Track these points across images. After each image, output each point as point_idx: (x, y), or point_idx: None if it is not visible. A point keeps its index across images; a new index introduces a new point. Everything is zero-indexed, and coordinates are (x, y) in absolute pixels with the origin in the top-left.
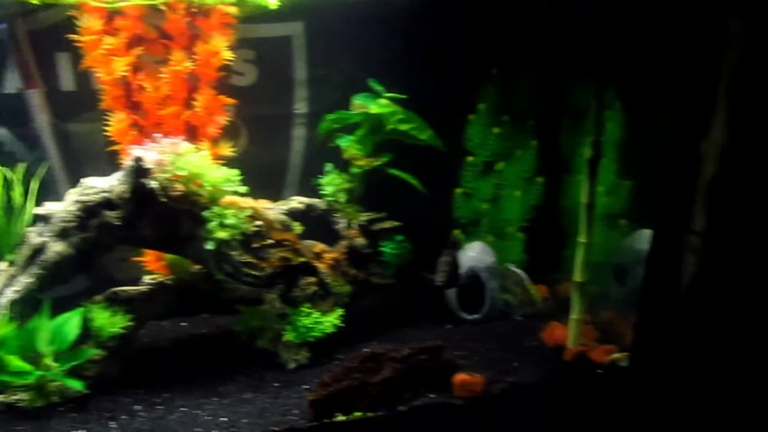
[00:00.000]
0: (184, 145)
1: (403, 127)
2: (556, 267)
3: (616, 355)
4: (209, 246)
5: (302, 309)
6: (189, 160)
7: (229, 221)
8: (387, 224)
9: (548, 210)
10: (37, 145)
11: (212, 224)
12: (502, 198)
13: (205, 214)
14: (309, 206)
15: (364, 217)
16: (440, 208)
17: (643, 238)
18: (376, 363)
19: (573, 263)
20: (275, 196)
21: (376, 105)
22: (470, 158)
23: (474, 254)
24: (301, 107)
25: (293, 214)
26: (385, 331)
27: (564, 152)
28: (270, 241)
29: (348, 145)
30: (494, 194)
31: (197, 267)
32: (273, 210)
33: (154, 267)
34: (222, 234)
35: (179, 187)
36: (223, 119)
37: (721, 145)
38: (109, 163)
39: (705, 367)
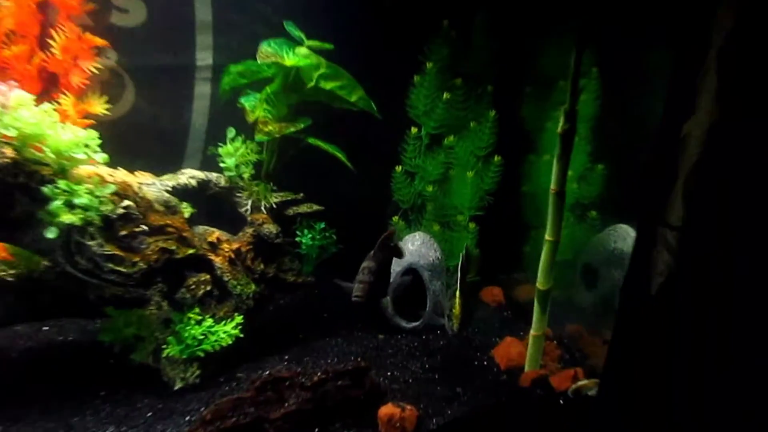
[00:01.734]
0: (17, 95)
1: (328, 85)
2: (513, 265)
3: (583, 382)
4: (50, 233)
5: (190, 315)
6: (21, 116)
7: (81, 200)
8: (305, 208)
9: (506, 197)
10: None
11: (55, 204)
12: (451, 180)
13: (46, 189)
14: (204, 182)
15: (276, 198)
16: (374, 190)
17: (619, 234)
18: (278, 391)
19: (533, 262)
20: (171, 169)
21: (293, 55)
22: (413, 130)
23: (414, 248)
24: (204, 57)
25: (182, 191)
26: (299, 343)
27: (527, 126)
28: (143, 228)
29: (253, 104)
30: (442, 175)
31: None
32: (154, 186)
33: None
34: (70, 217)
35: (8, 152)
36: (92, 66)
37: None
38: None
39: (693, 400)
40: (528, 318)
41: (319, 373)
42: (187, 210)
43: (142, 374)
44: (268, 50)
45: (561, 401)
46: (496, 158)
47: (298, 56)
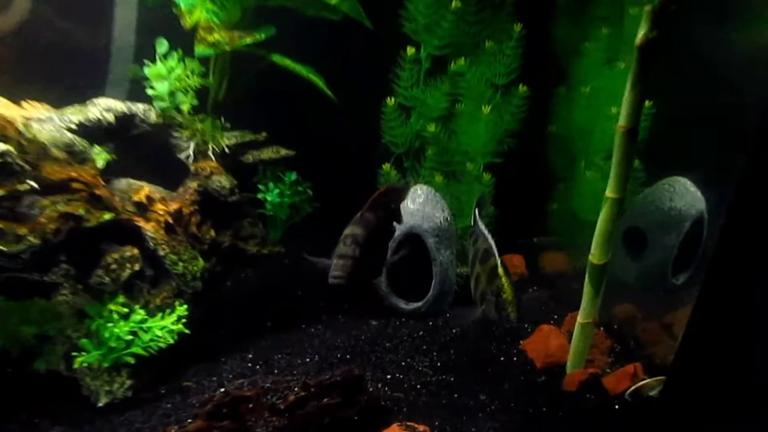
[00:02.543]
0: None
1: None
2: (536, 227)
3: (644, 380)
4: None
5: (112, 307)
6: None
7: None
8: (270, 153)
9: (529, 140)
10: None
11: None
12: (459, 117)
13: None
14: (126, 117)
15: (230, 138)
16: (359, 128)
17: (676, 189)
18: (239, 417)
19: (561, 224)
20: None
21: None
22: (410, 49)
23: (416, 206)
24: None
25: (94, 130)
26: (267, 334)
27: (558, 49)
28: (32, 185)
29: (191, 4)
30: (447, 110)
31: None
32: (50, 123)
33: None
34: None
35: None
36: None
37: None
38: None
39: None
40: (561, 296)
41: (296, 389)
42: (101, 157)
43: (53, 387)
44: None
45: (616, 406)
46: (521, 88)
47: None
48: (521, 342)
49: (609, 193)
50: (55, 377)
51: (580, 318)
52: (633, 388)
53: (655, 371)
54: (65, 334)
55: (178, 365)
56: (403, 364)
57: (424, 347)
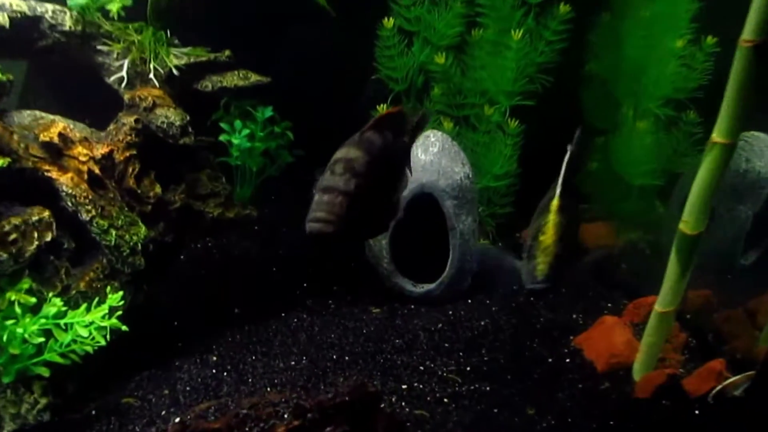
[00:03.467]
0: None
1: None
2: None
3: (731, 379)
4: None
5: (12, 295)
6: None
7: None
8: (235, 79)
9: (562, 80)
10: None
11: None
12: (476, 46)
13: None
14: (27, 21)
15: (179, 57)
16: (347, 56)
17: (754, 148)
18: None
19: (601, 188)
20: None
21: None
22: None
23: (429, 158)
24: None
25: None
26: (233, 326)
27: None
28: None
29: None
30: (460, 37)
31: None
32: None
33: None
34: None
35: None
36: None
37: None
38: None
39: None
40: (608, 277)
41: (285, 415)
42: None
43: None
44: None
45: (696, 411)
46: (562, 8)
47: None
48: (574, 338)
49: (717, 136)
50: None
51: (660, 306)
52: (718, 388)
53: (738, 368)
54: None
55: (113, 374)
56: (421, 368)
57: (446, 345)
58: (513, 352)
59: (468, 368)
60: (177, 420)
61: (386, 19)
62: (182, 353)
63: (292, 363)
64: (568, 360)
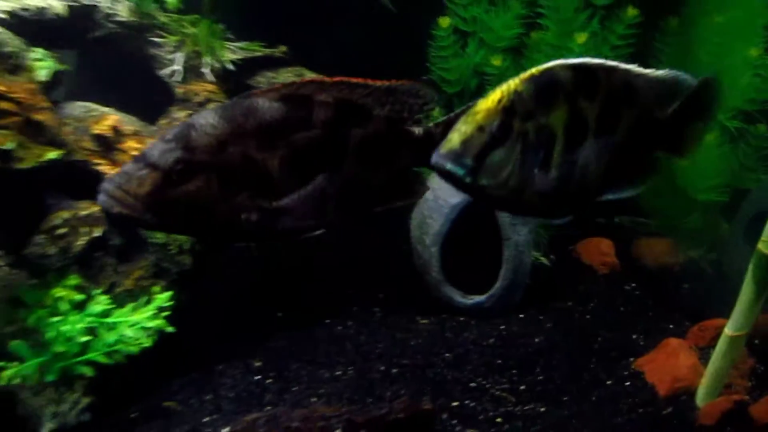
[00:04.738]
0: None
1: None
2: (624, 204)
3: None
4: None
5: (59, 291)
6: None
7: None
8: (290, 75)
9: None
10: None
11: None
12: (537, 47)
13: None
14: (82, 10)
15: (236, 52)
16: (398, 55)
17: None
18: None
19: (664, 202)
20: None
21: None
22: None
23: None
24: None
25: (32, 26)
26: (277, 331)
27: None
28: None
29: None
30: (518, 39)
31: None
32: None
33: None
34: None
35: None
36: None
37: None
38: None
39: None
40: (670, 298)
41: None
42: (44, 65)
43: None
44: None
45: None
46: (630, 11)
47: None
48: (634, 360)
49: None
50: None
51: (731, 329)
52: None
53: None
54: None
55: (156, 376)
56: (472, 385)
57: (499, 362)
58: (569, 372)
59: (522, 387)
60: (227, 430)
61: (442, 18)
62: (224, 356)
63: (338, 373)
64: (628, 383)
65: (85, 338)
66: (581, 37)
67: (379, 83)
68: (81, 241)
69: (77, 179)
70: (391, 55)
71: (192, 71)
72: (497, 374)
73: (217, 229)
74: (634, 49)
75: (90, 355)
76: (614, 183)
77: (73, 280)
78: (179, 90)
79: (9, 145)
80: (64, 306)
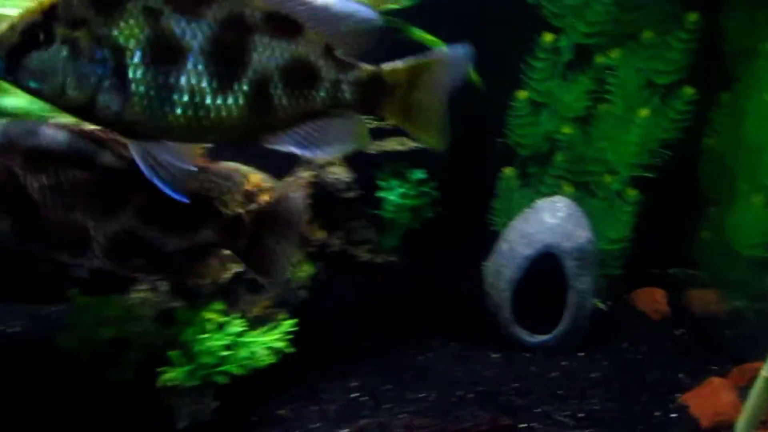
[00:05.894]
0: None
1: None
2: (676, 257)
3: None
4: None
5: (209, 314)
6: None
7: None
8: (395, 144)
9: (680, 154)
10: None
11: None
12: (600, 119)
13: None
14: None
15: None
16: (480, 123)
17: None
18: None
19: (712, 256)
20: None
21: None
22: (547, 36)
23: (556, 221)
24: None
25: None
26: (370, 358)
27: (728, 45)
28: None
29: None
30: (588, 109)
31: None
32: None
33: None
34: None
35: None
36: None
37: None
38: None
39: None
40: (715, 343)
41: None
42: None
43: (125, 398)
44: None
45: None
46: (687, 90)
47: None
48: (681, 395)
49: None
50: (128, 388)
51: (766, 371)
52: None
53: None
54: (145, 339)
55: (270, 387)
56: (537, 411)
57: (560, 392)
58: (623, 403)
59: (580, 415)
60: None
61: (521, 91)
62: (326, 376)
63: (422, 395)
64: (674, 414)
65: (224, 353)
66: (644, 112)
67: None
68: (227, 275)
69: (225, 224)
70: (476, 121)
71: None
72: (559, 402)
73: None
74: (691, 122)
75: (226, 367)
76: (274, 134)
77: (218, 306)
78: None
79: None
80: (210, 326)
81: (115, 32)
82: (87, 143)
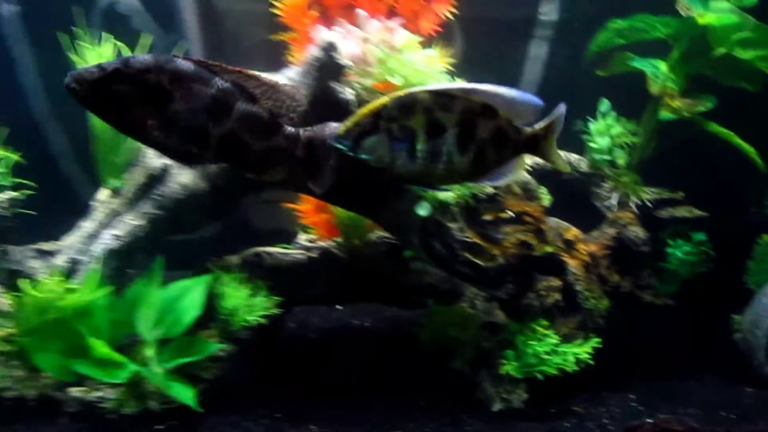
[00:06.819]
0: (403, 34)
1: (747, 53)
2: None
3: None
4: (422, 210)
5: (534, 326)
6: (409, 60)
7: None
8: (684, 212)
9: None
10: (173, 23)
11: None
12: None
13: None
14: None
15: (650, 194)
16: (742, 193)
17: None
18: None
19: None
20: None
21: (709, 10)
22: None
23: None
24: (549, 12)
25: (539, 172)
26: (643, 380)
27: None
28: (509, 213)
29: (656, 73)
30: None
31: (379, 234)
32: None
33: (312, 221)
34: (447, 193)
35: None
36: (447, 11)
37: None
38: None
39: None
40: None
41: None
42: (546, 197)
43: (453, 382)
44: (684, 2)
45: None
46: None
47: (715, 12)
48: None
49: None
50: (456, 375)
51: None
52: None
53: None
54: (476, 341)
55: (565, 390)
56: None
57: None
58: None
59: None
60: (648, 421)
61: None
62: (610, 390)
63: (689, 410)
64: None
65: (545, 357)
66: None
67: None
68: (550, 300)
69: (552, 264)
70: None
71: (622, 204)
72: None
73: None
74: None
75: (544, 367)
76: (485, 175)
77: (543, 322)
78: (611, 215)
79: (532, 241)
80: (535, 336)
81: (411, 123)
82: (205, 70)
